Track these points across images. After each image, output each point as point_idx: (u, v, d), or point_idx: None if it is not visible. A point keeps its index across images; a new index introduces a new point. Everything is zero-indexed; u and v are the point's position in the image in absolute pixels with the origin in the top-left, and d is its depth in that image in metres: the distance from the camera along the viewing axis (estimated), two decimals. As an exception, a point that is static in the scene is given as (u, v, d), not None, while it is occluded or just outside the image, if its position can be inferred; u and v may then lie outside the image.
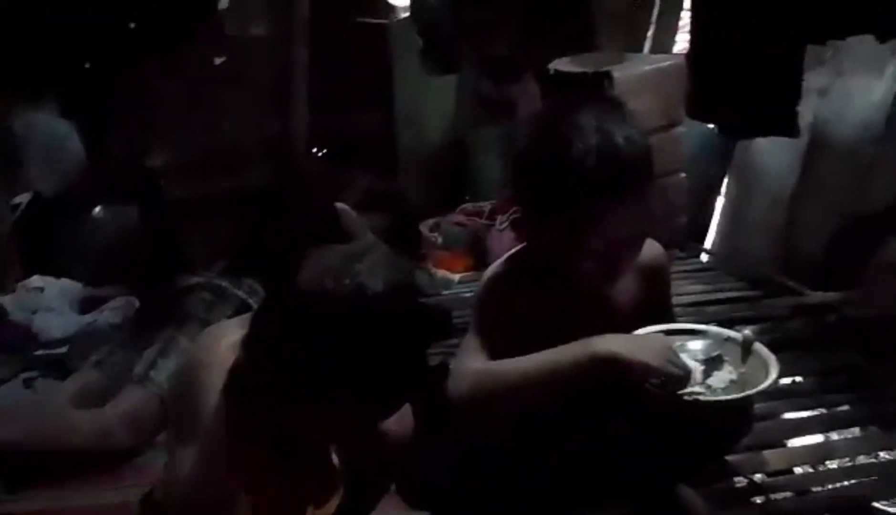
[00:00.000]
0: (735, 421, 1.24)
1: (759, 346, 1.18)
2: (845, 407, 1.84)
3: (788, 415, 1.84)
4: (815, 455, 1.70)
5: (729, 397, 1.12)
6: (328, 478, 1.11)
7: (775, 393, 1.86)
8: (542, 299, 1.17)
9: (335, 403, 0.89)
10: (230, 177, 3.14)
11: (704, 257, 3.06)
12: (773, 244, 2.90)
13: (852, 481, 1.59)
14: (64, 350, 2.21)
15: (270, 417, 0.95)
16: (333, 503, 1.12)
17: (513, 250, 1.28)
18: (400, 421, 1.14)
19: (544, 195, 1.10)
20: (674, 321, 1.31)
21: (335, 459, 1.13)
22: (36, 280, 2.70)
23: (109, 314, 2.52)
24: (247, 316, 0.98)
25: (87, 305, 2.63)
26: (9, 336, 2.43)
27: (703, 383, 1.14)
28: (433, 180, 3.58)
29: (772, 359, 1.15)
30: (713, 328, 1.24)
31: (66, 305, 2.62)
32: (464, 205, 3.23)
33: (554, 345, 1.11)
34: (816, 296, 2.40)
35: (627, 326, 1.18)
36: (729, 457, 1.63)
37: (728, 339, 1.21)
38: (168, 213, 2.95)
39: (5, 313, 2.52)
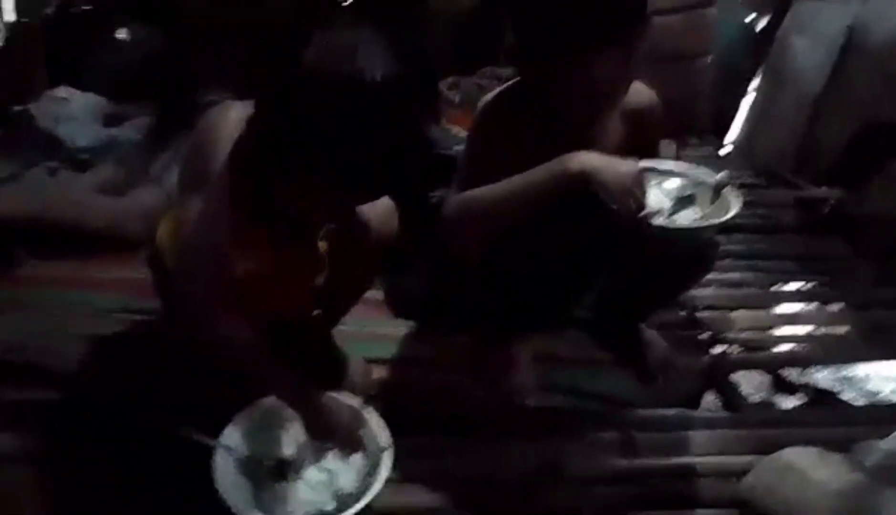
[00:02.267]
0: (690, 251, 1.30)
1: (728, 189, 1.23)
2: (819, 286, 1.93)
3: (766, 288, 1.93)
4: (779, 321, 1.80)
5: (676, 225, 1.18)
6: (313, 260, 1.20)
7: (757, 267, 1.96)
8: (529, 131, 1.21)
9: (326, 178, 0.95)
10: (252, 12, 3.11)
11: (723, 151, 3.07)
12: (791, 142, 2.89)
13: (801, 346, 1.71)
14: (87, 156, 2.29)
15: (267, 189, 1.02)
16: (316, 285, 1.22)
17: (507, 84, 1.31)
18: (384, 220, 1.23)
19: (534, 28, 1.12)
20: None
21: (322, 246, 1.22)
22: (62, 90, 2.75)
23: (131, 129, 2.59)
24: (250, 101, 1.04)
25: (110, 119, 2.71)
26: (36, 141, 2.52)
27: (668, 218, 1.20)
28: (460, 42, 3.53)
29: (736, 201, 1.20)
30: (692, 170, 1.28)
31: (90, 117, 2.69)
32: (484, 69, 3.21)
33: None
34: (817, 191, 2.44)
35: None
36: (700, 314, 1.75)
37: (703, 182, 1.26)
38: (190, 38, 2.95)
39: (32, 118, 2.60)
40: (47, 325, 1.53)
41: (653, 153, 1.33)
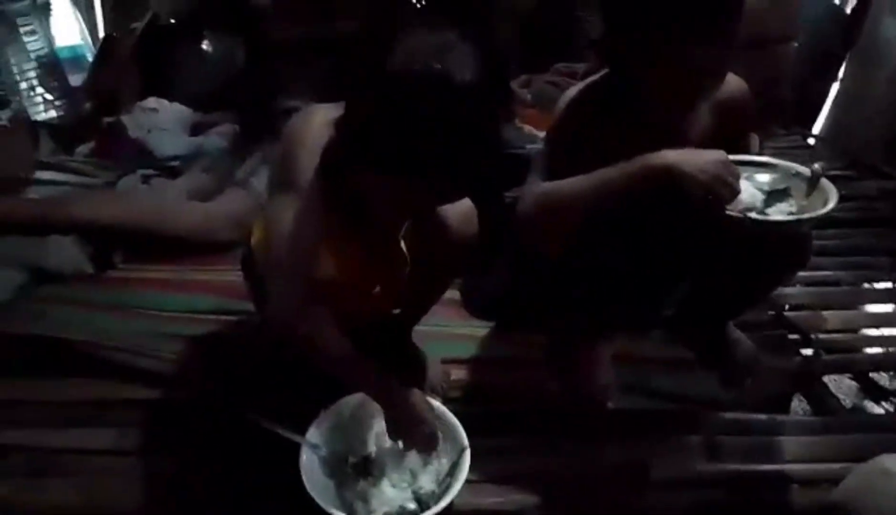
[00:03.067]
0: (784, 246, 1.24)
1: (825, 181, 1.17)
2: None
3: (858, 285, 1.85)
4: (873, 321, 1.71)
5: (772, 218, 1.13)
6: (396, 260, 1.23)
7: (850, 263, 1.87)
8: (616, 126, 1.18)
9: (412, 178, 0.97)
10: (330, 22, 3.18)
11: (811, 141, 2.94)
12: (883, 131, 2.75)
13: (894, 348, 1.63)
14: (176, 164, 2.40)
15: (354, 189, 1.05)
16: (398, 285, 1.25)
17: (593, 77, 1.28)
18: (465, 221, 1.24)
19: (633, 22, 1.09)
20: None
21: (403, 247, 1.24)
22: (152, 101, 2.89)
23: (216, 138, 2.69)
24: (336, 103, 1.07)
25: (196, 129, 2.83)
26: (127, 150, 2.66)
27: (761, 212, 1.15)
28: (531, 39, 3.51)
29: (833, 193, 1.15)
30: (784, 162, 1.23)
31: (178, 126, 2.82)
32: (557, 65, 3.18)
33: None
34: (911, 182, 2.30)
35: None
36: (788, 313, 1.68)
37: (797, 174, 1.21)
38: (271, 49, 3.05)
39: (124, 129, 2.73)
40: (143, 326, 1.61)
41: (742, 145, 1.28)
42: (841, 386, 1.55)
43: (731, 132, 1.26)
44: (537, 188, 1.22)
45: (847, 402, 1.51)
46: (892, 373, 1.55)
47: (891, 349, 1.64)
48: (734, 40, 1.08)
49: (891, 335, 1.68)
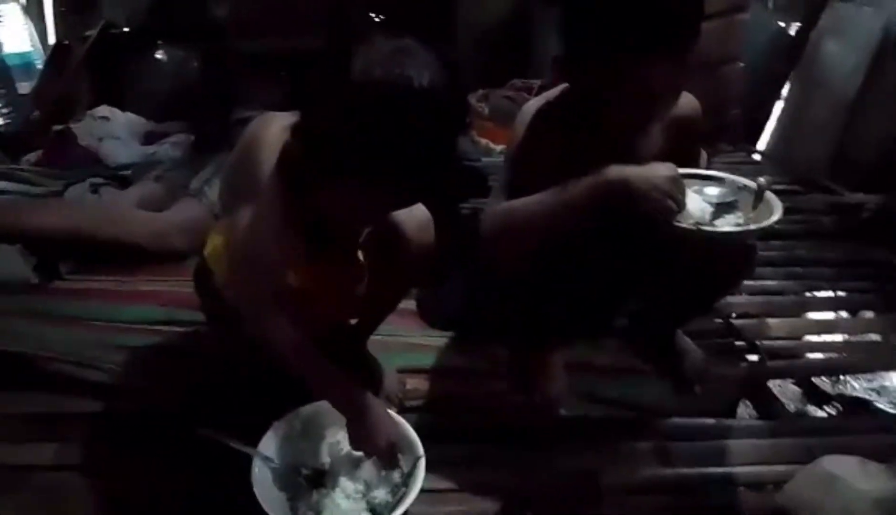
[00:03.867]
0: (731, 257, 1.28)
1: (770, 195, 1.22)
2: (858, 294, 1.90)
3: (802, 294, 1.91)
4: (815, 328, 1.77)
5: (721, 229, 1.17)
6: (354, 269, 1.23)
7: (794, 273, 1.94)
8: (574, 139, 1.20)
9: (368, 183, 0.97)
10: (287, 36, 3.18)
11: (756, 157, 3.04)
12: (826, 147, 2.85)
13: (836, 355, 1.69)
14: (127, 173, 2.35)
15: (310, 195, 1.04)
16: (355, 294, 1.25)
17: (551, 91, 1.30)
18: (421, 230, 1.25)
19: (591, 38, 1.10)
20: None
21: (361, 256, 1.24)
22: (103, 109, 2.84)
23: (170, 147, 2.67)
24: (292, 112, 1.06)
25: (149, 138, 2.79)
26: (77, 158, 2.60)
27: (709, 223, 1.19)
28: (489, 54, 3.56)
29: (777, 206, 1.19)
30: (731, 176, 1.27)
31: (130, 136, 2.78)
32: (514, 81, 3.24)
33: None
34: (855, 197, 2.40)
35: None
36: (735, 321, 1.73)
37: (744, 187, 1.25)
38: (227, 61, 3.03)
39: (74, 137, 2.68)
40: (90, 338, 1.57)
41: (694, 160, 1.32)
42: (785, 391, 1.59)
43: (683, 147, 1.29)
44: (498, 208, 1.24)
45: (791, 407, 1.55)
46: (833, 378, 1.60)
47: (832, 355, 1.69)
48: (690, 59, 1.11)
49: (832, 341, 1.74)
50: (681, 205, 1.13)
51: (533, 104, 1.30)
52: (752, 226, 1.16)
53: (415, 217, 1.23)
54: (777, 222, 1.16)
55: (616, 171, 1.13)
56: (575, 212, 1.15)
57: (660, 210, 1.12)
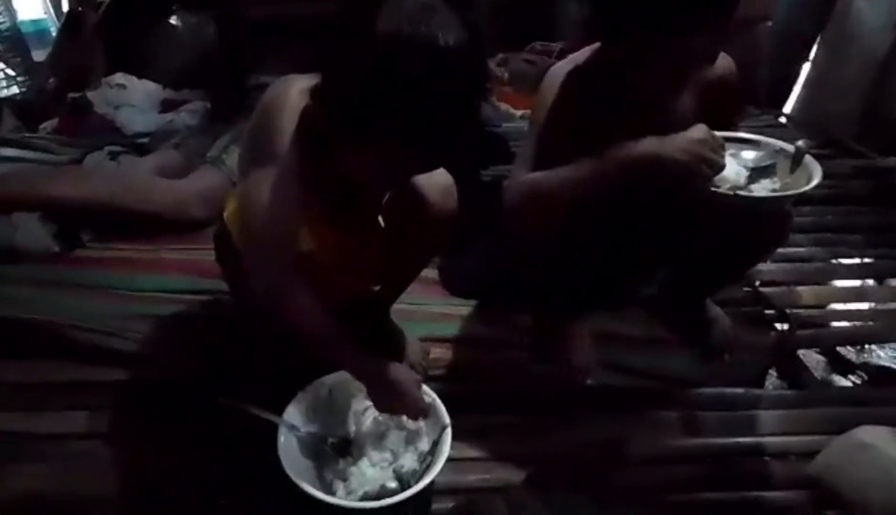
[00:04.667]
0: (766, 223, 1.25)
1: (809, 159, 1.18)
2: (886, 260, 1.86)
3: (831, 261, 1.87)
4: (845, 296, 1.74)
5: (760, 194, 1.14)
6: (374, 235, 1.21)
7: (823, 239, 1.90)
8: (606, 101, 1.16)
9: (391, 146, 0.94)
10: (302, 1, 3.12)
11: (783, 120, 2.97)
12: (854, 109, 2.78)
13: (870, 323, 1.65)
14: (145, 141, 2.34)
15: (330, 160, 1.02)
16: (376, 261, 1.23)
17: (578, 53, 1.25)
18: (444, 196, 1.22)
19: (629, 4, 1.05)
20: None
21: (381, 221, 1.22)
22: (119, 77, 2.82)
23: (187, 115, 2.65)
24: (312, 74, 1.03)
25: (166, 106, 2.77)
26: (93, 127, 2.60)
27: (745, 188, 1.16)
28: (508, 17, 3.48)
29: (817, 171, 1.15)
30: (768, 139, 1.23)
31: (147, 103, 2.76)
32: (533, 44, 3.17)
33: (605, 147, 1.11)
34: (886, 161, 2.33)
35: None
36: (764, 290, 1.70)
37: (780, 150, 1.21)
38: (242, 26, 2.99)
39: (91, 105, 2.67)
40: (112, 307, 1.57)
41: (730, 122, 1.28)
42: (810, 359, 1.57)
43: (719, 110, 1.25)
44: (523, 179, 1.20)
45: (816, 375, 1.53)
46: (858, 347, 1.57)
47: (859, 323, 1.66)
48: (727, 26, 1.06)
49: (859, 309, 1.71)
50: (719, 167, 1.09)
51: (561, 68, 1.25)
52: (790, 192, 1.13)
53: (437, 182, 1.20)
54: (816, 187, 1.12)
55: (649, 144, 1.09)
56: (606, 186, 1.12)
57: (698, 178, 1.08)
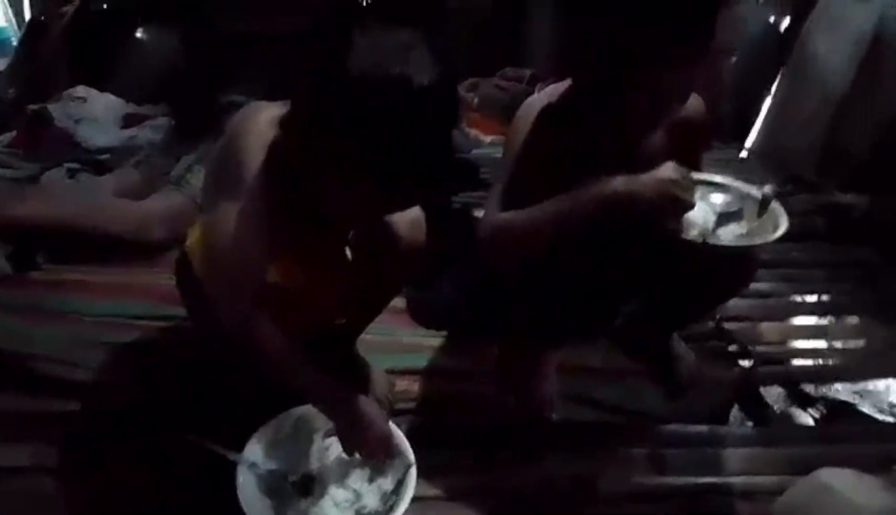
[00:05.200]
0: (733, 267, 1.27)
1: (775, 205, 1.20)
2: (845, 296, 1.90)
3: (793, 298, 1.90)
4: (806, 333, 1.77)
5: (726, 243, 1.15)
6: (341, 268, 1.19)
7: (784, 275, 1.93)
8: (580, 137, 1.16)
9: (361, 182, 0.93)
10: (271, 16, 3.10)
11: (744, 153, 3.03)
12: (814, 144, 2.84)
13: (830, 360, 1.68)
14: (106, 157, 2.28)
15: (300, 192, 1.00)
16: (342, 293, 1.21)
17: (554, 86, 1.25)
18: (413, 229, 1.21)
19: (609, 37, 1.04)
20: None
21: (348, 253, 1.20)
22: (81, 90, 2.75)
23: (150, 131, 2.58)
24: (281, 102, 1.01)
25: (128, 121, 2.71)
26: (53, 141, 2.52)
27: (713, 232, 1.17)
28: (480, 42, 3.50)
29: (783, 218, 1.17)
30: (736, 183, 1.25)
31: (109, 118, 2.68)
32: (504, 70, 3.18)
33: (577, 183, 1.11)
34: (845, 197, 2.39)
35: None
36: (727, 326, 1.72)
37: (748, 195, 1.23)
38: (210, 42, 2.95)
39: (51, 119, 2.59)
40: (67, 332, 1.52)
41: (697, 161, 1.29)
42: (769, 393, 1.58)
43: (689, 148, 1.26)
44: (496, 218, 1.19)
45: (775, 408, 1.55)
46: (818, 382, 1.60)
47: (820, 360, 1.69)
48: (702, 61, 1.07)
49: (818, 347, 1.73)
50: (688, 206, 1.10)
51: (536, 101, 1.25)
52: (758, 241, 1.14)
53: (406, 214, 1.18)
54: (782, 236, 1.14)
55: (620, 182, 1.10)
56: (578, 223, 1.12)
57: (667, 216, 1.09)
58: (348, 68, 0.87)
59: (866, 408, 1.54)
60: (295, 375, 1.04)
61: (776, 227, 1.15)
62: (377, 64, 0.86)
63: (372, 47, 0.88)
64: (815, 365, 1.67)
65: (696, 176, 1.22)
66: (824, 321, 1.82)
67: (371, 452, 1.09)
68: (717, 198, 1.22)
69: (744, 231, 1.19)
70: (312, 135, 0.92)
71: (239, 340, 1.00)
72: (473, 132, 2.82)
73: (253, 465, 1.09)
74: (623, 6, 1.01)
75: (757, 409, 1.52)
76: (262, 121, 0.99)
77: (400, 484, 1.10)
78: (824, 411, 1.55)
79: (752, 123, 3.21)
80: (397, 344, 1.56)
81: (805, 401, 1.57)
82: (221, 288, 1.01)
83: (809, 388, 1.58)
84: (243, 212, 0.97)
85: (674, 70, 1.03)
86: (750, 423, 1.48)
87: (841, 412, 1.54)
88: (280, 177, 0.98)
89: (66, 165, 1.99)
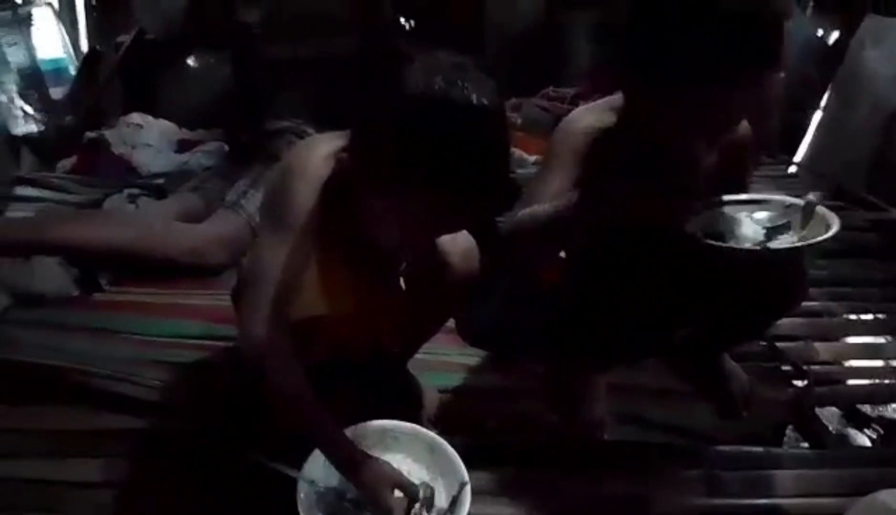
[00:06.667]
0: (784, 280, 1.25)
1: (821, 209, 1.17)
2: (896, 315, 1.85)
3: (846, 316, 1.87)
4: (863, 353, 1.73)
5: (787, 245, 1.13)
6: (394, 298, 1.21)
7: (837, 294, 1.89)
8: (622, 149, 1.12)
9: (418, 206, 0.94)
10: (319, 41, 3.19)
11: (793, 168, 2.99)
12: (864, 158, 2.80)
13: (887, 380, 1.64)
14: (161, 182, 2.36)
15: (352, 224, 1.02)
16: (395, 321, 1.23)
17: (596, 103, 1.25)
18: (466, 259, 1.22)
19: (675, 63, 1.00)
20: None
21: (402, 283, 1.22)
22: (136, 117, 2.86)
23: (203, 156, 2.68)
24: (339, 132, 1.05)
25: (182, 146, 2.80)
26: (110, 166, 2.62)
27: (765, 243, 1.15)
28: (520, 62, 3.54)
29: (834, 219, 1.13)
30: (777, 196, 1.23)
31: (163, 143, 2.79)
32: (546, 90, 3.21)
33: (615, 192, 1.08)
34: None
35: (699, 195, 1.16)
36: (780, 345, 1.69)
37: (791, 206, 1.21)
38: (259, 67, 3.03)
39: (108, 144, 2.70)
40: (128, 352, 1.58)
41: (744, 182, 1.28)
42: (824, 412, 1.56)
43: (735, 168, 1.26)
44: (518, 211, 1.20)
45: (831, 428, 1.52)
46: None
47: (876, 380, 1.65)
48: (761, 90, 1.04)
49: (876, 366, 1.70)
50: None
51: (577, 115, 1.25)
52: (812, 240, 1.11)
53: (459, 245, 1.20)
54: (836, 235, 1.11)
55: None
56: (573, 220, 1.10)
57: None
58: (407, 89, 0.89)
59: (923, 429, 1.51)
60: (307, 422, 1.04)
61: (828, 228, 1.13)
62: (436, 83, 0.88)
63: (428, 68, 0.90)
64: (871, 385, 1.64)
65: (739, 196, 1.22)
66: (880, 339, 1.78)
67: (378, 508, 1.05)
68: (762, 214, 1.20)
69: (795, 239, 1.17)
70: (372, 160, 0.94)
71: (257, 370, 1.01)
72: (517, 152, 2.84)
73: (312, 483, 1.11)
74: (696, 29, 0.98)
75: (812, 430, 1.50)
76: (316, 157, 1.02)
77: (455, 502, 1.11)
78: (881, 431, 1.52)
79: (801, 138, 3.17)
80: (448, 364, 1.58)
81: (862, 422, 1.54)
82: (248, 316, 1.01)
83: (866, 408, 1.55)
84: (280, 251, 0.99)
85: (737, 90, 1.01)
86: (805, 444, 1.45)
87: (897, 432, 1.51)
88: (333, 212, 1.01)
89: (127, 191, 2.06)
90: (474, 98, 0.89)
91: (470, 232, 1.24)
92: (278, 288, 0.99)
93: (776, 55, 1.02)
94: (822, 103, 3.08)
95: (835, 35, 3.04)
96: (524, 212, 1.18)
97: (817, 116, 3.09)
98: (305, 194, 1.01)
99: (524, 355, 1.56)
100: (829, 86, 3.05)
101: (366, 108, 0.97)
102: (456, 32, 3.41)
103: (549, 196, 1.17)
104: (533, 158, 2.79)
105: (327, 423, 1.05)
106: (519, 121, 3.05)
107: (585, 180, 1.16)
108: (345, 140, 1.01)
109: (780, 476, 1.33)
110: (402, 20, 3.62)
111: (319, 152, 1.03)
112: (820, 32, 3.11)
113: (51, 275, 1.73)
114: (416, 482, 1.11)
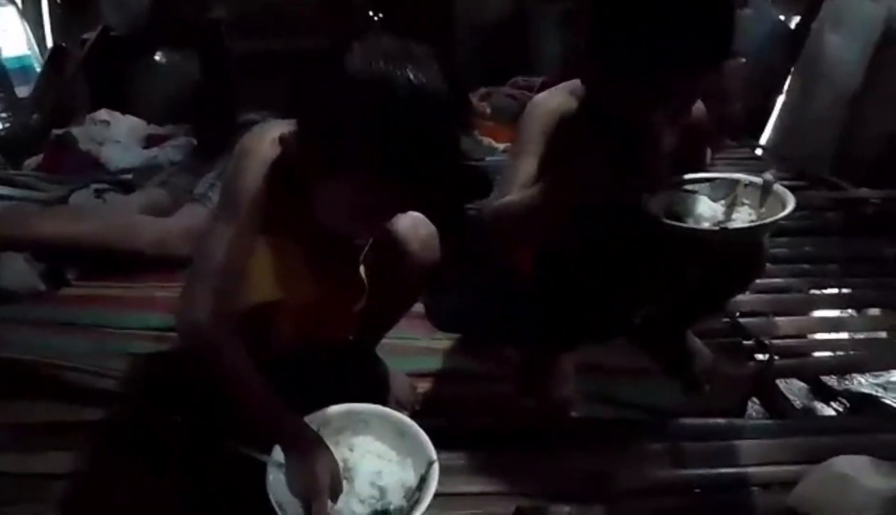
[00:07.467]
0: (743, 256, 1.29)
1: (777, 187, 1.20)
2: (864, 290, 1.91)
3: (810, 292, 1.91)
4: (825, 326, 1.77)
5: (742, 225, 1.16)
6: (354, 285, 1.21)
7: (801, 270, 1.94)
8: (585, 134, 1.16)
9: (371, 189, 0.95)
10: (287, 36, 3.18)
11: (758, 151, 3.04)
12: (829, 141, 2.86)
13: (843, 352, 1.70)
14: (129, 177, 2.35)
15: (302, 208, 1.02)
16: (355, 309, 1.23)
17: (559, 86, 1.27)
18: (426, 248, 1.23)
19: (636, 53, 1.03)
20: None
21: (362, 271, 1.23)
22: (103, 113, 2.84)
23: (171, 150, 2.67)
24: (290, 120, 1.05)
25: (150, 142, 2.79)
26: (78, 163, 2.60)
27: (725, 223, 1.19)
28: (489, 52, 3.56)
29: (789, 197, 1.17)
30: (734, 175, 1.26)
31: (131, 139, 2.77)
32: (515, 79, 3.24)
33: (583, 179, 1.11)
34: (859, 191, 2.40)
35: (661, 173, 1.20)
36: (743, 321, 1.73)
37: (749, 184, 1.24)
38: (227, 63, 3.02)
39: (75, 141, 2.68)
40: (97, 345, 1.57)
41: (701, 161, 1.32)
42: (792, 387, 1.60)
43: (691, 151, 1.29)
44: (496, 202, 1.22)
45: (797, 403, 1.56)
46: (840, 375, 1.61)
47: (839, 353, 1.69)
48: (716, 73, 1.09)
49: (839, 339, 1.74)
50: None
51: (542, 99, 1.28)
52: (776, 217, 1.14)
53: (419, 233, 1.21)
54: (789, 215, 1.15)
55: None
56: (551, 208, 1.13)
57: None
58: (352, 71, 0.89)
59: (890, 400, 1.55)
60: (252, 401, 1.04)
61: (784, 205, 1.16)
62: (375, 66, 0.89)
63: (368, 51, 0.90)
64: (834, 357, 1.68)
65: (696, 175, 1.25)
66: (844, 314, 1.83)
67: (314, 494, 1.03)
68: (719, 192, 1.24)
69: (754, 216, 1.20)
70: (323, 138, 0.94)
71: (199, 354, 1.02)
72: (486, 140, 2.87)
73: (281, 465, 1.12)
74: (649, 28, 1.01)
75: (776, 403, 1.54)
76: (264, 142, 1.02)
77: (423, 481, 1.13)
78: (847, 404, 1.56)
79: (766, 120, 3.23)
80: (417, 348, 1.59)
81: (827, 395, 1.58)
82: (192, 299, 1.00)
83: (832, 382, 1.59)
84: (228, 231, 1.00)
85: (692, 80, 1.06)
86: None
87: (863, 404, 1.55)
88: (285, 196, 1.01)
89: (93, 186, 2.05)
90: (414, 80, 0.89)
91: (438, 216, 1.26)
92: (224, 268, 0.99)
93: (728, 42, 1.05)
94: (786, 87, 3.14)
95: (796, 19, 3.09)
96: (501, 202, 1.20)
97: (781, 100, 3.15)
98: (254, 174, 1.01)
99: (492, 338, 1.58)
100: (792, 70, 3.10)
101: (316, 94, 0.96)
102: (424, 24, 3.41)
103: (523, 180, 1.19)
104: (502, 146, 2.82)
105: (277, 403, 1.04)
106: (489, 110, 3.07)
107: (556, 161, 1.18)
108: (292, 126, 1.01)
109: (742, 447, 1.36)
110: (371, 13, 3.62)
111: (267, 136, 1.03)
112: (782, 17, 3.17)
113: (17, 271, 1.72)
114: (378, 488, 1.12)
